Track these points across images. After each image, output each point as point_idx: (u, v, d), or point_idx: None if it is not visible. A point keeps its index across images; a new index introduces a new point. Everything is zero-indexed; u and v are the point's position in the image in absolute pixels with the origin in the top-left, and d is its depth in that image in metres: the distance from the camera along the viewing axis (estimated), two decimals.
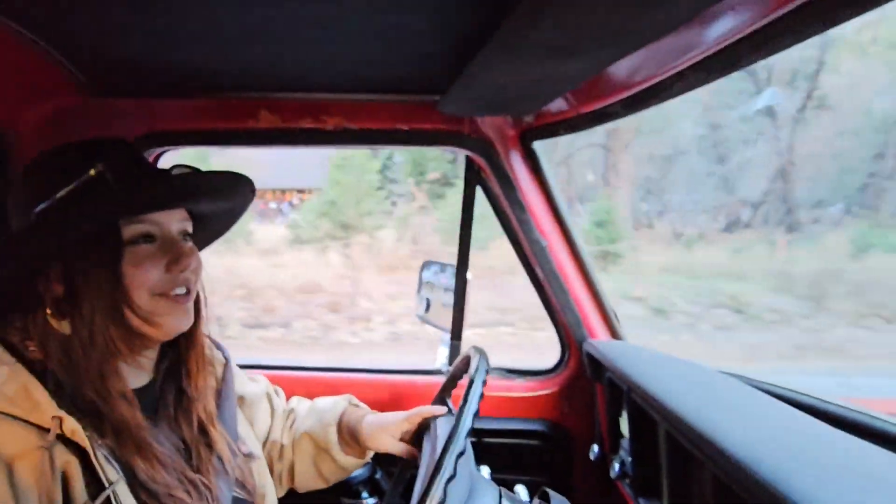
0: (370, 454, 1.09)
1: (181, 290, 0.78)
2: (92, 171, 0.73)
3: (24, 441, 0.63)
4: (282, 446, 1.08)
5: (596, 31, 0.68)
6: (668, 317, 7.82)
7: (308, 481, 1.09)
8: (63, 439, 0.65)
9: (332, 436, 1.05)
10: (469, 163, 1.31)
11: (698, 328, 7.55)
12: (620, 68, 0.89)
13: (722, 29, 0.72)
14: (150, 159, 1.31)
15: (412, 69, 1.04)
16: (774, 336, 7.14)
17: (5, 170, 1.10)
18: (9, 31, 0.91)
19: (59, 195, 0.72)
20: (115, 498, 0.65)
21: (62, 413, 0.65)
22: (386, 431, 1.03)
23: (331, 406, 1.10)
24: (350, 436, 1.06)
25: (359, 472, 1.38)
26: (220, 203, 0.87)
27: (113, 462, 0.69)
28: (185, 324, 0.80)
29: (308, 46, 0.95)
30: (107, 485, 0.65)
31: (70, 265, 0.71)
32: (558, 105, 1.08)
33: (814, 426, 0.79)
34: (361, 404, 1.14)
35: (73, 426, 0.65)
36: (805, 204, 10.34)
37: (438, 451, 0.92)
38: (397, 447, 1.03)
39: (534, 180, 1.27)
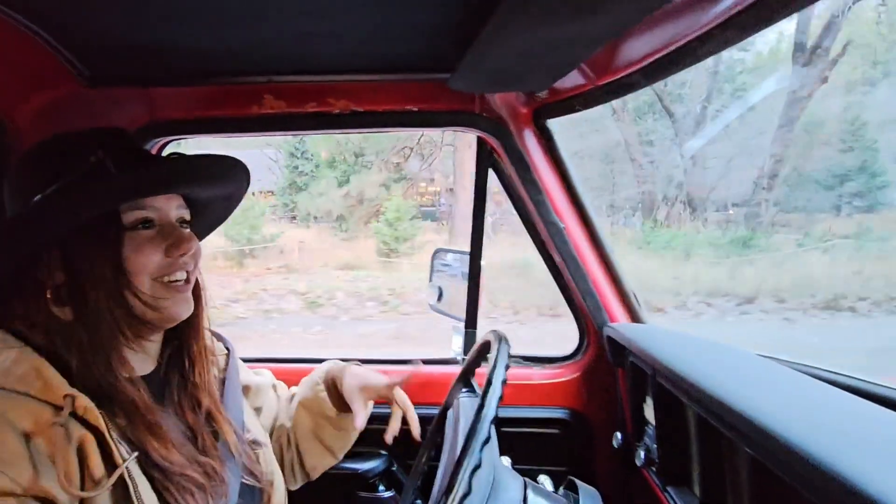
0: (368, 408, 1.09)
1: (181, 276, 0.79)
2: (92, 159, 0.74)
3: (39, 416, 0.64)
4: (288, 430, 1.09)
5: None
6: (316, 310, 8.67)
7: (315, 459, 1.09)
8: (76, 417, 0.66)
9: (322, 393, 1.07)
10: (481, 144, 1.27)
11: (338, 319, 8.28)
12: (638, 35, 0.84)
13: None
14: (153, 150, 1.28)
15: (420, 45, 1.00)
16: (389, 326, 7.67)
17: (4, 160, 1.07)
18: (7, 22, 0.90)
19: (59, 184, 0.73)
20: (128, 475, 0.66)
21: (74, 391, 0.66)
22: (364, 392, 1.05)
23: (317, 370, 1.13)
24: (338, 390, 1.08)
25: (375, 465, 1.36)
26: (217, 189, 0.88)
27: (124, 442, 0.70)
28: (185, 310, 0.80)
29: (311, 24, 0.91)
30: (120, 462, 0.66)
31: (70, 252, 0.72)
32: (573, 79, 1.03)
33: (857, 404, 0.74)
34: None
35: (85, 404, 0.66)
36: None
37: (461, 438, 0.89)
38: (363, 413, 1.04)
39: (549, 160, 1.22)
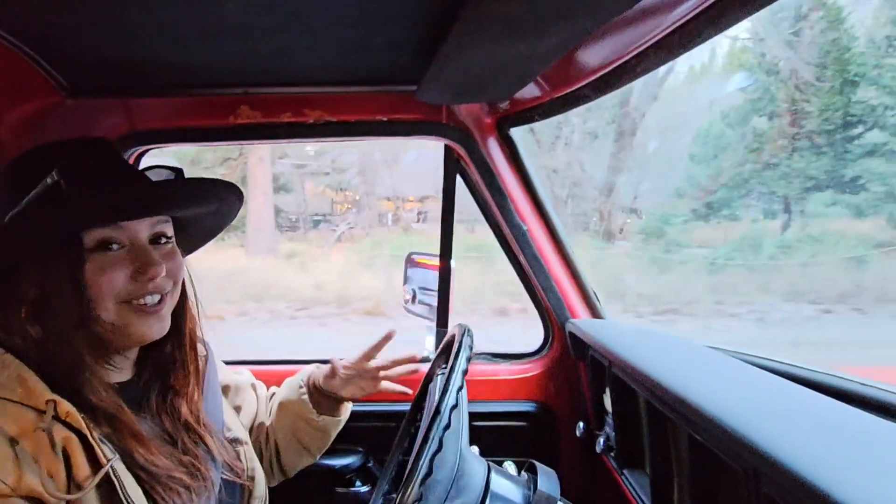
0: (344, 411, 1.17)
1: (152, 300, 0.77)
2: (48, 180, 0.71)
3: (22, 421, 0.65)
4: (267, 428, 1.12)
5: (563, 5, 0.70)
6: None
7: (293, 457, 1.14)
8: (59, 420, 0.67)
9: (304, 396, 1.12)
10: (448, 151, 1.34)
11: None
12: (588, 50, 0.92)
13: (681, 5, 0.75)
14: (132, 159, 1.32)
15: (388, 59, 1.07)
16: None
17: None
18: None
19: (20, 204, 0.72)
20: (114, 474, 0.67)
21: (56, 396, 0.67)
22: (354, 378, 1.14)
23: (299, 373, 1.18)
24: (319, 393, 1.13)
25: (351, 461, 1.40)
26: (192, 209, 0.86)
27: (108, 443, 0.71)
28: (155, 332, 0.78)
29: (286, 39, 0.96)
30: (104, 461, 0.67)
31: (38, 272, 0.71)
32: (531, 91, 1.11)
33: (792, 389, 0.81)
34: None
35: (67, 408, 0.67)
36: None
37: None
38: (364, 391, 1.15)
39: (512, 166, 1.30)
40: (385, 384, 1.18)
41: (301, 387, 1.13)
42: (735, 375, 0.92)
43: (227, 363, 1.12)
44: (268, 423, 1.13)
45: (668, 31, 0.80)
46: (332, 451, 1.38)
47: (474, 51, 0.86)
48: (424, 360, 1.50)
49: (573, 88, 1.01)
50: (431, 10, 0.82)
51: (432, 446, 0.74)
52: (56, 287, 0.71)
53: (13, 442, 0.64)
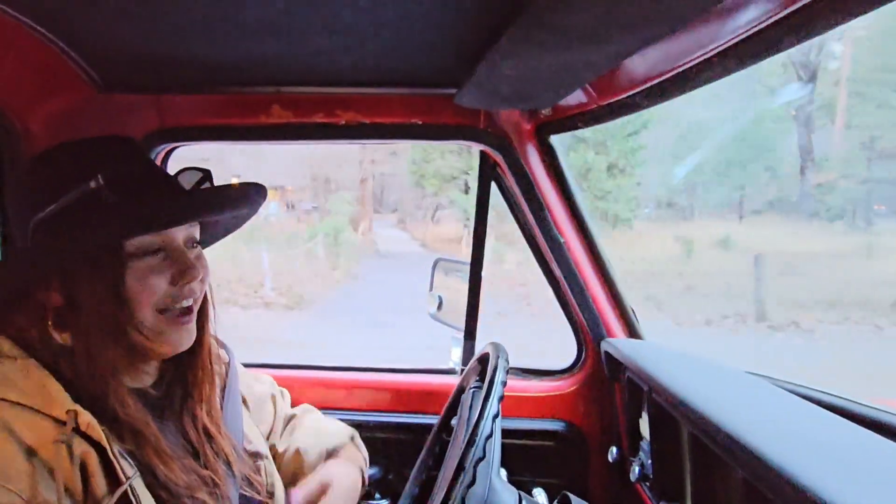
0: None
1: (186, 303, 0.76)
2: (92, 184, 0.70)
3: (42, 431, 0.63)
4: (276, 450, 1.05)
5: (626, 14, 0.65)
6: None
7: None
8: (79, 433, 0.64)
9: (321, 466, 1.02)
10: (484, 158, 1.29)
11: None
12: (643, 56, 0.86)
13: (753, 14, 0.69)
14: (161, 156, 1.30)
15: (428, 61, 1.02)
16: None
17: (16, 166, 1.09)
18: (21, 27, 0.91)
19: (54, 207, 0.70)
20: (132, 493, 0.65)
21: (77, 407, 0.65)
22: None
23: (334, 433, 1.08)
24: None
25: (370, 472, 1.36)
26: (228, 213, 0.85)
27: (128, 458, 0.68)
28: (187, 342, 0.77)
29: (322, 39, 0.93)
30: (123, 479, 0.64)
31: (70, 278, 0.69)
32: (576, 97, 1.05)
33: (845, 427, 0.76)
34: (362, 446, 1.11)
35: (88, 419, 0.64)
36: None
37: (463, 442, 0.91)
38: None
39: (550, 176, 1.24)
40: None
41: (324, 457, 1.04)
42: (788, 411, 0.86)
43: (247, 366, 1.07)
44: (280, 449, 1.05)
45: (737, 38, 0.74)
46: None
47: (525, 57, 0.81)
48: (450, 371, 1.45)
49: (624, 96, 0.95)
50: (485, 15, 0.78)
51: (466, 478, 0.70)
52: (92, 294, 0.68)
53: (30, 453, 0.61)
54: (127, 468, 0.66)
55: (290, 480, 1.03)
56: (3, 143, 1.01)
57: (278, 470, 1.02)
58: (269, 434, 1.07)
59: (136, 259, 0.71)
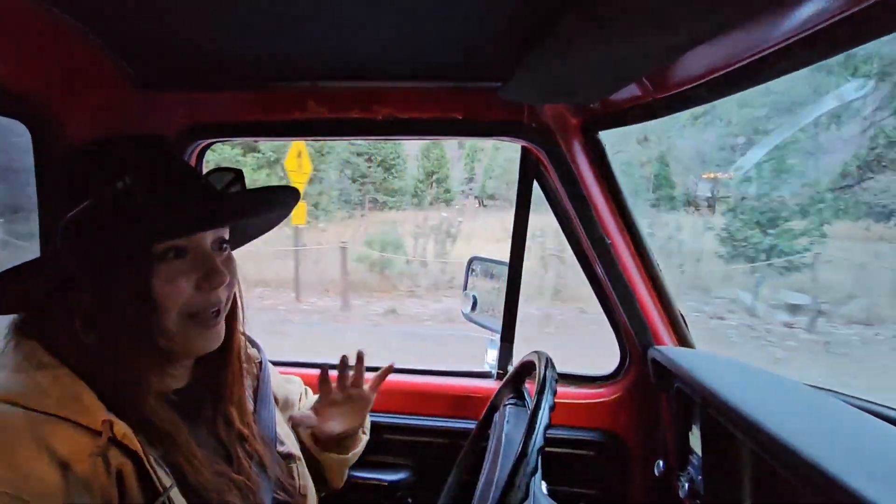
0: (356, 444, 1.08)
1: (213, 308, 0.74)
2: (119, 185, 0.68)
3: (77, 444, 0.61)
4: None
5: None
6: None
7: (318, 481, 1.04)
8: (115, 443, 0.63)
9: (304, 433, 1.04)
10: (525, 154, 1.23)
11: None
12: (709, 45, 0.80)
13: (829, 3, 0.62)
14: (195, 152, 1.29)
15: (472, 54, 0.97)
16: None
17: (53, 162, 1.08)
18: (59, 23, 0.91)
19: (83, 207, 0.68)
20: (169, 502, 0.64)
21: (112, 416, 0.63)
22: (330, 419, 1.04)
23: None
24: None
25: (401, 476, 1.34)
26: (259, 216, 0.85)
27: (164, 466, 0.67)
28: (214, 344, 0.76)
29: (359, 32, 0.90)
30: (161, 490, 0.63)
31: (98, 280, 0.67)
32: (630, 90, 0.98)
33: None
34: None
35: (123, 430, 0.63)
36: None
37: (502, 456, 0.87)
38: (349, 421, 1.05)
39: (597, 173, 1.17)
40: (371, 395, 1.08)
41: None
42: (859, 429, 0.79)
43: (274, 363, 1.06)
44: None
45: (814, 29, 0.67)
46: (381, 465, 1.33)
47: (578, 49, 0.75)
48: (485, 374, 1.41)
49: (684, 89, 0.88)
50: (536, 3, 0.72)
51: (519, 494, 0.66)
52: (120, 296, 0.67)
53: (65, 467, 0.59)
54: (164, 477, 0.65)
55: (305, 453, 1.03)
56: (40, 137, 1.01)
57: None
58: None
59: (163, 262, 0.70)
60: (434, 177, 11.77)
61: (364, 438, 1.11)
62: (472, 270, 1.56)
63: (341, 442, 1.06)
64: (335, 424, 1.03)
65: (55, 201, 0.73)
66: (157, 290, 0.68)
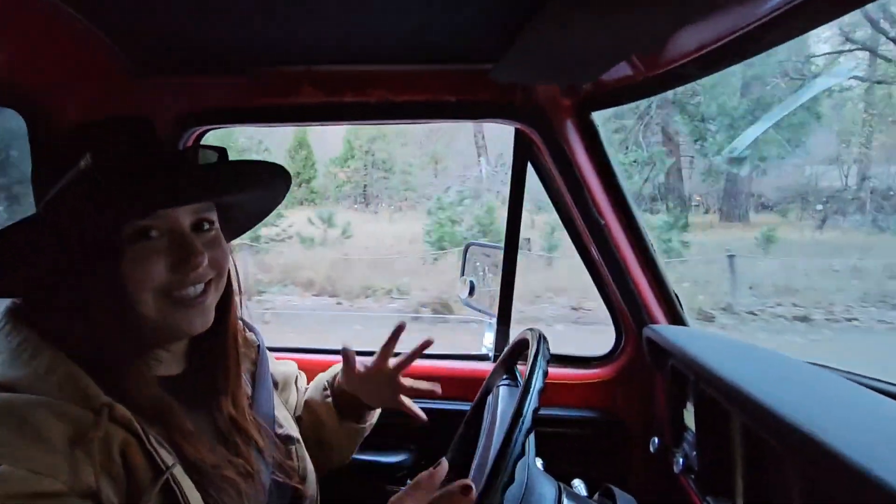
0: (370, 417, 1.07)
1: (193, 291, 0.72)
2: (82, 164, 0.66)
3: (79, 423, 0.61)
4: (301, 422, 1.05)
5: None
6: None
7: (321, 458, 1.04)
8: (116, 423, 0.63)
9: (328, 398, 1.04)
10: (519, 136, 1.24)
11: None
12: (699, 24, 0.80)
13: None
14: (193, 138, 1.29)
15: (464, 35, 0.97)
16: None
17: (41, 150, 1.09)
18: (53, 12, 0.90)
19: (55, 189, 0.68)
20: (173, 480, 0.64)
21: (110, 400, 0.64)
22: (368, 382, 1.00)
23: (328, 371, 1.09)
24: (344, 395, 1.04)
25: (402, 458, 1.35)
26: (236, 196, 0.80)
27: (166, 445, 0.67)
28: (199, 325, 0.73)
29: (353, 14, 0.90)
30: (164, 468, 0.64)
31: (76, 264, 0.66)
32: (621, 69, 0.99)
33: None
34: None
35: (122, 412, 0.63)
36: None
37: (496, 436, 0.88)
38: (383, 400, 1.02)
39: (590, 154, 1.18)
40: (407, 405, 1.03)
41: (325, 389, 1.06)
42: (852, 400, 0.81)
43: (270, 349, 1.06)
44: (302, 421, 1.06)
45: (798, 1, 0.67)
46: (383, 448, 1.34)
47: (571, 26, 0.76)
48: (483, 357, 1.42)
49: (674, 66, 0.89)
50: None
51: (504, 477, 0.67)
52: (93, 281, 0.66)
53: (69, 447, 0.60)
54: (166, 456, 0.66)
55: (313, 432, 1.03)
56: (37, 126, 1.01)
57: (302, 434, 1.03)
58: (295, 412, 1.07)
59: (133, 243, 0.67)
60: (300, 177, 11.82)
61: (377, 412, 1.10)
62: (469, 256, 1.57)
63: (361, 413, 1.05)
64: (368, 392, 1.03)
65: (38, 186, 0.73)
66: (127, 273, 0.66)
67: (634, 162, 9.34)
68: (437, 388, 1.01)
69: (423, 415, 1.01)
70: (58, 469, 0.58)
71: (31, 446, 0.58)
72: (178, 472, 0.66)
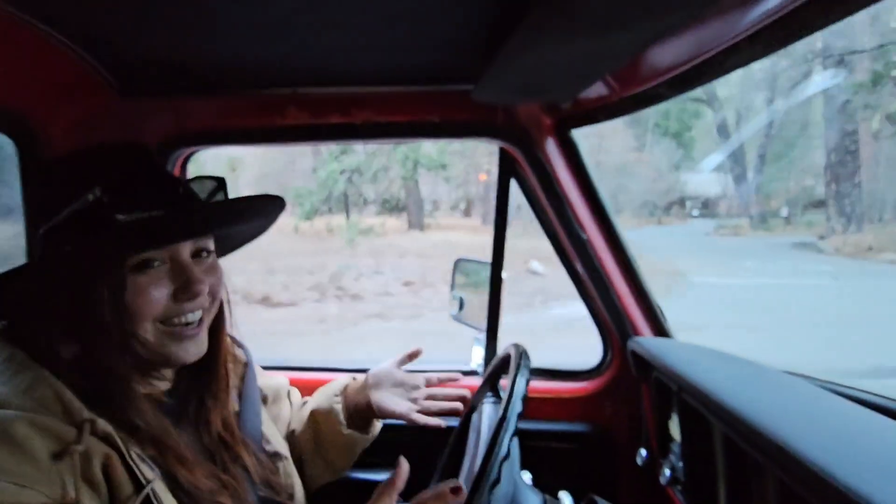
0: (373, 429, 1.10)
1: (192, 318, 0.74)
2: (90, 196, 0.68)
3: (62, 439, 0.62)
4: (296, 437, 1.07)
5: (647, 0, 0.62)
6: None
7: (316, 472, 1.08)
8: (97, 438, 0.64)
9: (337, 405, 1.06)
10: (503, 154, 1.26)
11: None
12: (663, 47, 0.83)
13: None
14: (180, 160, 1.31)
15: (444, 56, 1.00)
16: None
17: (37, 172, 1.10)
18: (39, 34, 0.92)
19: (57, 218, 0.69)
20: (154, 496, 0.64)
21: (93, 416, 0.64)
22: (382, 388, 1.08)
23: (336, 381, 1.12)
24: (353, 406, 1.07)
25: (390, 475, 1.34)
26: (237, 227, 0.83)
27: (147, 460, 0.68)
28: (195, 354, 0.75)
29: (336, 37, 0.92)
30: (144, 483, 0.64)
31: (74, 290, 0.67)
32: (597, 90, 1.02)
33: (891, 427, 0.72)
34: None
35: (104, 428, 0.64)
36: None
37: (482, 448, 0.89)
38: (399, 406, 1.08)
39: (571, 171, 1.21)
40: (420, 417, 1.09)
41: (337, 395, 1.08)
42: (828, 410, 0.82)
43: (264, 368, 1.07)
44: (297, 429, 1.08)
45: (766, 22, 0.70)
46: (370, 465, 1.33)
47: (544, 47, 0.78)
48: (472, 372, 1.43)
49: (647, 87, 0.92)
50: (501, 4, 0.75)
51: (490, 477, 0.69)
52: (94, 308, 0.67)
53: (54, 457, 0.61)
54: (147, 471, 0.66)
55: (313, 443, 1.06)
56: (24, 149, 1.03)
57: (298, 446, 1.06)
58: (288, 426, 1.09)
59: (137, 272, 0.69)
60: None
61: (379, 425, 1.13)
62: (458, 272, 1.58)
63: (367, 423, 1.09)
64: (384, 397, 1.09)
65: (34, 212, 0.74)
66: (130, 302, 0.68)
67: None
68: (460, 406, 1.11)
69: (440, 422, 1.10)
70: (41, 481, 0.58)
71: (14, 459, 0.58)
72: (159, 486, 0.66)
